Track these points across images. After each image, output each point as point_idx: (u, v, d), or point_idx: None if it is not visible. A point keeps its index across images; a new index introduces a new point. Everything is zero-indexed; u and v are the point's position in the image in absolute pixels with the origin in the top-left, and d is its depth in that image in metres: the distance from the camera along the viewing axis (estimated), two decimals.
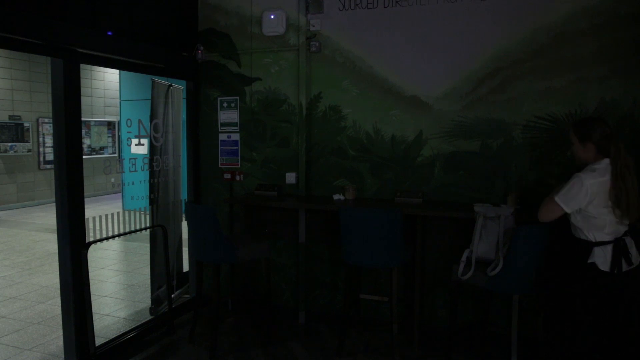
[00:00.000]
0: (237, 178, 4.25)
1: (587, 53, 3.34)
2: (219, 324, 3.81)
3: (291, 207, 3.91)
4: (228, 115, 4.29)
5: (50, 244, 6.78)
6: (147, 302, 4.32)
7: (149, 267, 4.08)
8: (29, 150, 10.18)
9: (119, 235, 3.79)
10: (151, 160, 3.93)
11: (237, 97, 4.25)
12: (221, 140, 4.33)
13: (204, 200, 4.41)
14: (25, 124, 10.05)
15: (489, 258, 3.01)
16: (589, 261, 2.46)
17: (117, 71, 10.02)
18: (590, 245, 2.48)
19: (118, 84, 9.69)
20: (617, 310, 2.53)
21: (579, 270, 2.52)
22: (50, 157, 10.27)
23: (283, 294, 4.19)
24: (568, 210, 2.52)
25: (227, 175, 4.26)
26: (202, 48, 4.24)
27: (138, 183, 4.09)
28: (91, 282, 3.21)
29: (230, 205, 4.26)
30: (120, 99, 9.40)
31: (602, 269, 2.44)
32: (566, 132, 3.40)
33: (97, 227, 3.65)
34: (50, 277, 5.22)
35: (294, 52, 4.01)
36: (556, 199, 2.52)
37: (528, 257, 2.77)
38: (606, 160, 2.49)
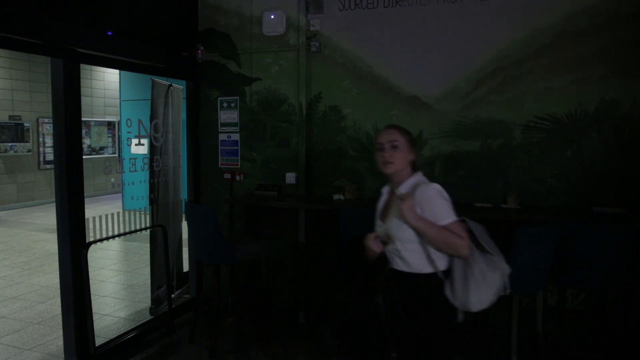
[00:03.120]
0: (237, 178, 4.24)
1: (587, 53, 3.34)
2: (219, 324, 3.81)
3: (291, 207, 3.91)
4: (228, 115, 4.29)
5: (50, 244, 6.78)
6: (147, 302, 4.32)
7: (149, 267, 4.08)
8: (29, 150, 10.17)
9: (119, 235, 3.78)
10: (151, 160, 3.93)
11: (237, 97, 4.25)
12: (221, 140, 4.33)
13: (204, 200, 4.41)
14: (25, 124, 10.05)
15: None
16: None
17: (117, 71, 10.02)
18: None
19: (118, 84, 9.69)
20: None
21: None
22: (50, 157, 10.27)
23: (283, 294, 4.19)
24: None
25: (227, 175, 4.25)
26: (202, 48, 4.24)
27: (138, 183, 4.09)
28: (91, 282, 3.20)
29: (230, 205, 4.26)
30: (120, 99, 9.40)
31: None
32: (567, 132, 3.42)
33: (97, 227, 3.65)
34: (50, 277, 5.22)
35: (294, 52, 4.01)
36: (454, 219, 2.02)
37: (529, 257, 2.76)
38: (420, 173, 2.19)
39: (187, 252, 4.43)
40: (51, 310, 4.28)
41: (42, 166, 10.45)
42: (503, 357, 3.20)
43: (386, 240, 2.17)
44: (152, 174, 3.94)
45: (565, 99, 3.40)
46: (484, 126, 3.59)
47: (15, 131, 9.90)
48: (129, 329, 3.70)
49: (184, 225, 3.86)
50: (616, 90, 3.30)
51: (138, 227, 3.92)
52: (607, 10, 3.28)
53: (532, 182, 3.51)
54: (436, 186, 2.08)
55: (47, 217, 8.97)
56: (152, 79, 3.98)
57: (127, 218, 3.94)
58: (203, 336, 3.68)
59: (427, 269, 2.06)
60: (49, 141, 10.34)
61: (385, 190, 2.30)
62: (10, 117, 9.78)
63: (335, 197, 3.78)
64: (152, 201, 3.95)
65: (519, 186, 3.53)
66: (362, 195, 3.91)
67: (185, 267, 4.52)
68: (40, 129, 10.34)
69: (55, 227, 3.12)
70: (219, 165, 4.35)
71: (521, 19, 3.45)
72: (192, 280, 4.35)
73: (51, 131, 9.47)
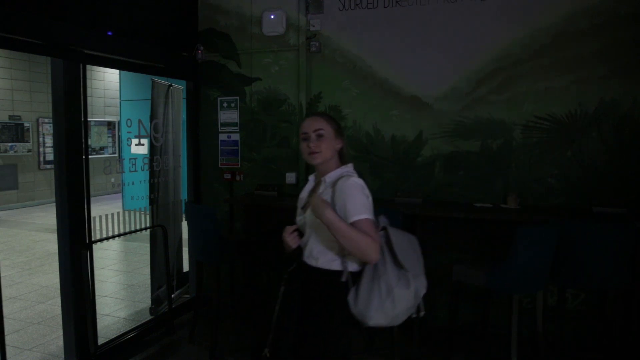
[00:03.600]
0: (237, 178, 4.24)
1: (587, 53, 3.34)
2: (219, 324, 3.81)
3: (291, 207, 3.90)
4: (228, 115, 4.29)
5: (50, 244, 6.78)
6: (147, 302, 4.32)
7: (149, 267, 4.08)
8: (29, 150, 10.17)
9: (119, 235, 3.78)
10: (151, 160, 3.93)
11: (237, 97, 4.25)
12: (221, 140, 4.33)
13: (204, 200, 4.41)
14: (25, 124, 10.05)
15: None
16: None
17: (117, 71, 10.01)
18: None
19: (118, 84, 9.68)
20: None
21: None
22: (50, 157, 10.26)
23: None
24: None
25: (227, 175, 4.26)
26: (202, 48, 4.24)
27: (138, 183, 4.09)
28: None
29: (230, 205, 4.26)
30: (120, 99, 9.40)
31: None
32: (567, 132, 3.42)
33: (98, 227, 3.65)
34: (50, 277, 5.22)
35: (294, 52, 4.01)
36: (367, 217, 1.87)
37: (529, 258, 2.77)
38: (350, 166, 2.10)
39: (187, 252, 4.43)
40: (51, 310, 4.28)
41: (42, 166, 10.45)
42: (503, 357, 3.21)
43: (304, 231, 2.09)
44: (152, 174, 3.94)
45: (565, 99, 3.40)
46: (484, 126, 3.59)
47: (15, 131, 9.90)
48: (129, 329, 3.70)
49: (184, 225, 3.86)
50: (616, 90, 3.30)
51: (138, 227, 3.92)
52: (607, 10, 3.28)
53: (532, 182, 3.51)
54: (358, 180, 1.96)
55: (47, 217, 8.97)
56: (152, 79, 3.98)
57: (127, 218, 3.95)
58: (203, 336, 3.68)
59: (335, 266, 1.96)
60: (49, 141, 10.34)
61: (311, 178, 2.19)
62: (10, 117, 9.78)
63: None
64: (152, 201, 3.95)
65: (519, 186, 3.53)
66: None
67: (185, 267, 4.52)
68: (40, 129, 10.34)
69: (55, 227, 3.12)
70: (219, 165, 4.35)
71: (521, 19, 3.45)
72: (192, 280, 4.35)
73: (51, 131, 9.47)
